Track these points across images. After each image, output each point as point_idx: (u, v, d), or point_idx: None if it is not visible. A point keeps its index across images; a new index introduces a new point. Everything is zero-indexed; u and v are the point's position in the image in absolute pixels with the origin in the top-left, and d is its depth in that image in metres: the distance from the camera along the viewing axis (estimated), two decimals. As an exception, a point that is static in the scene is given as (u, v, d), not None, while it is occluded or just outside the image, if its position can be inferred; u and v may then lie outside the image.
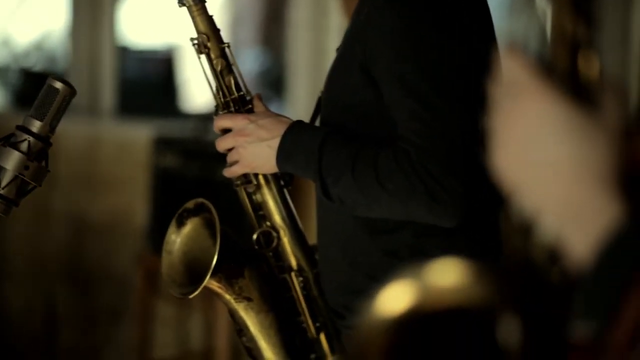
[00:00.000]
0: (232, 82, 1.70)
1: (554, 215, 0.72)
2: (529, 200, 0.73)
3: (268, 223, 1.72)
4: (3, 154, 1.55)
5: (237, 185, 1.73)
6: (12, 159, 1.55)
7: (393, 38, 1.56)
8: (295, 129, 1.65)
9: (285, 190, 1.74)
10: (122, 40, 4.76)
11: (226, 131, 1.70)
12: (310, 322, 1.73)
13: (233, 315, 1.73)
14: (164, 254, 1.71)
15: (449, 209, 1.52)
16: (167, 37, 6.09)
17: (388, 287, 0.76)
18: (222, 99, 1.70)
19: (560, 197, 0.71)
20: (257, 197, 1.72)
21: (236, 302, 1.70)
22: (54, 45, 5.43)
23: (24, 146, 1.56)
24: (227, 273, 1.67)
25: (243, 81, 1.72)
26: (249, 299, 1.70)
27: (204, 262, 1.65)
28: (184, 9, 1.68)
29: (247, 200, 1.73)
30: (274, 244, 1.72)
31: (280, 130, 1.64)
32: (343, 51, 1.68)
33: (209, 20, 1.68)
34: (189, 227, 1.72)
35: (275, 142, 1.64)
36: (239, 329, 1.74)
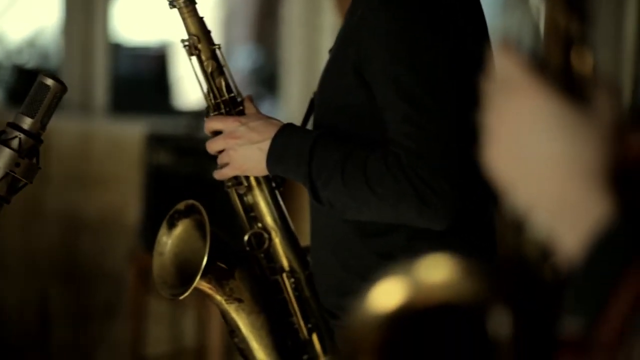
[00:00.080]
0: (223, 83, 1.70)
1: (545, 212, 0.72)
2: (521, 196, 0.73)
3: (259, 224, 1.72)
4: (-6, 151, 1.54)
5: (229, 187, 1.72)
6: (3, 156, 1.54)
7: (387, 40, 1.55)
8: (285, 131, 1.64)
9: (277, 192, 1.73)
10: (114, 37, 4.75)
11: (217, 133, 1.69)
12: (302, 323, 1.72)
13: (225, 316, 1.72)
14: (156, 256, 1.71)
15: (440, 212, 1.51)
16: (160, 34, 6.09)
17: (379, 284, 0.76)
18: (212, 101, 1.70)
19: (552, 194, 0.71)
20: (249, 198, 1.72)
21: (227, 303, 1.69)
22: (46, 42, 5.42)
23: (14, 143, 1.55)
24: (217, 274, 1.67)
25: (234, 82, 1.72)
26: (239, 300, 1.69)
27: (195, 264, 1.64)
28: (176, 8, 1.68)
29: (238, 202, 1.72)
30: (266, 245, 1.72)
31: (270, 132, 1.64)
32: (336, 52, 1.67)
33: (200, 21, 1.68)
34: (180, 228, 1.71)
35: (266, 145, 1.64)
36: (231, 330, 1.73)
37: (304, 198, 1.71)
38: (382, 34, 1.55)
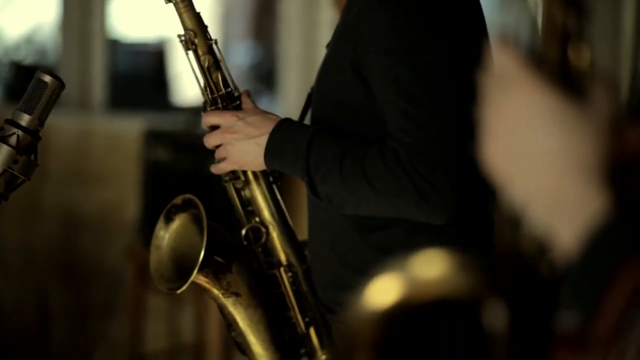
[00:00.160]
0: (220, 78, 1.70)
1: (542, 207, 0.72)
2: (519, 192, 0.73)
3: (257, 219, 1.72)
4: (-8, 148, 1.54)
5: (226, 182, 1.72)
6: (1, 153, 1.54)
7: (387, 40, 1.55)
8: (283, 126, 1.64)
9: (275, 186, 1.73)
10: (112, 34, 4.75)
11: (215, 128, 1.69)
12: (299, 317, 1.72)
13: (222, 310, 1.73)
14: (153, 250, 1.71)
15: (438, 208, 1.52)
16: (158, 30, 6.08)
17: (375, 281, 0.76)
18: (209, 96, 1.70)
19: (549, 189, 0.71)
20: (246, 192, 1.72)
21: (224, 297, 1.69)
22: (44, 39, 5.42)
23: (12, 140, 1.55)
24: (214, 268, 1.67)
25: (231, 77, 1.72)
26: (237, 294, 1.70)
27: (192, 258, 1.64)
28: (174, 3, 1.68)
29: (235, 197, 1.72)
30: (263, 239, 1.72)
31: (268, 127, 1.64)
32: (333, 48, 1.67)
33: (196, 16, 1.68)
34: (177, 222, 1.72)
35: (263, 140, 1.64)
36: (229, 324, 1.74)
37: (302, 192, 1.71)
38: (382, 34, 1.55)
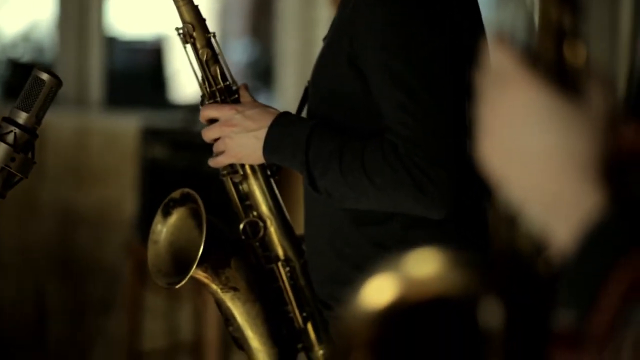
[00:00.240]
0: (218, 71, 1.69)
1: (538, 205, 0.72)
2: (514, 189, 0.73)
3: (255, 213, 1.72)
4: (-11, 145, 1.54)
5: (224, 175, 1.72)
6: (-2, 151, 1.54)
7: (384, 35, 1.55)
8: (282, 119, 1.64)
9: (272, 180, 1.73)
10: (110, 31, 4.74)
11: (213, 121, 1.69)
12: (297, 312, 1.73)
13: (220, 305, 1.73)
14: (150, 244, 1.71)
15: (437, 201, 1.52)
16: (155, 28, 6.07)
17: (371, 280, 0.76)
18: (208, 89, 1.70)
19: (544, 186, 0.71)
20: (244, 187, 1.72)
21: (223, 292, 1.69)
22: (41, 36, 5.42)
23: (10, 138, 1.55)
24: (213, 263, 1.67)
25: (229, 71, 1.72)
26: (235, 289, 1.70)
27: (190, 252, 1.64)
28: (170, -1, 1.68)
29: (233, 191, 1.72)
30: (261, 234, 1.72)
31: (267, 121, 1.64)
32: (330, 42, 1.67)
33: (195, 10, 1.68)
34: (175, 217, 1.71)
35: (262, 133, 1.64)
36: (226, 318, 1.74)
37: (299, 186, 1.71)
38: (378, 29, 1.55)
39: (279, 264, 1.73)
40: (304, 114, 1.76)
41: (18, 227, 4.07)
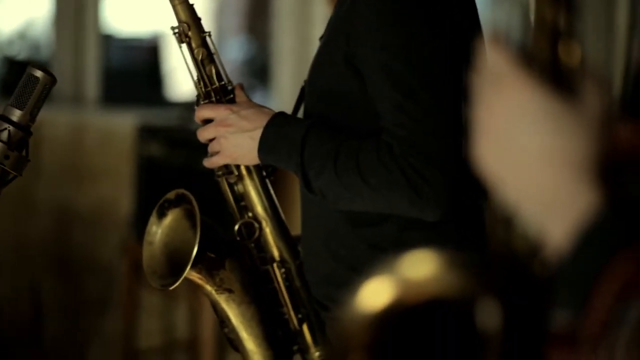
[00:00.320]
0: (213, 71, 1.69)
1: (534, 205, 0.72)
2: (510, 190, 0.73)
3: (250, 214, 1.72)
4: (-17, 143, 1.54)
5: (219, 176, 1.72)
6: (-7, 149, 1.54)
7: (383, 35, 1.54)
8: (277, 120, 1.64)
9: (268, 181, 1.73)
10: (106, 28, 4.74)
11: (208, 121, 1.69)
12: (292, 313, 1.72)
13: (215, 306, 1.72)
14: (145, 245, 1.71)
15: (432, 202, 1.51)
16: (152, 25, 6.07)
17: (367, 282, 0.76)
18: (203, 89, 1.70)
19: (540, 187, 0.71)
20: (239, 187, 1.72)
21: (217, 293, 1.69)
22: (37, 34, 5.41)
23: (4, 135, 1.54)
24: (207, 264, 1.66)
25: (224, 70, 1.71)
26: (230, 291, 1.69)
27: (185, 253, 1.64)
28: (167, -3, 1.67)
29: (228, 191, 1.72)
30: (256, 235, 1.71)
31: (262, 121, 1.63)
32: (327, 41, 1.67)
33: (190, 9, 1.67)
34: (170, 218, 1.71)
35: (257, 134, 1.63)
36: (221, 320, 1.73)
37: (295, 187, 1.71)
38: (377, 28, 1.55)
39: (275, 265, 1.72)
40: (300, 113, 1.76)
41: (14, 225, 4.06)
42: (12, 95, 1.57)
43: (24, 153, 1.56)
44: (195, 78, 1.70)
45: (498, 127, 0.73)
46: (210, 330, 3.28)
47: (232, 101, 1.69)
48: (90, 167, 3.92)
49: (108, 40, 4.96)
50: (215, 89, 1.69)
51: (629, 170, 0.72)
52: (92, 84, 4.31)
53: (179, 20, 1.67)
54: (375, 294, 0.76)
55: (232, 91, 1.71)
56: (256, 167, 1.71)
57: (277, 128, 1.62)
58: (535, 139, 0.71)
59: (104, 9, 4.39)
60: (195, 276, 1.66)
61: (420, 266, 0.76)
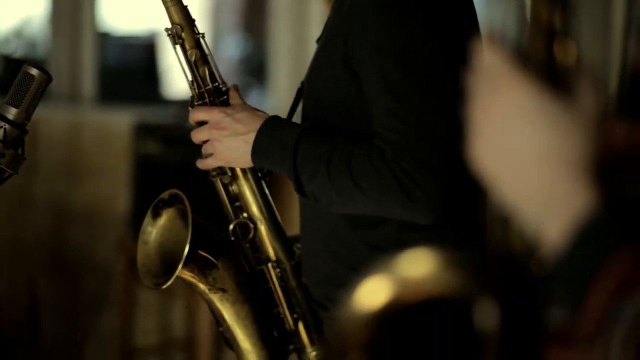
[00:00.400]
0: (207, 72, 1.69)
1: (531, 204, 0.72)
2: (507, 190, 0.73)
3: (245, 214, 1.71)
4: (-21, 141, 1.54)
5: (213, 176, 1.72)
6: (-12, 147, 1.54)
7: (380, 36, 1.54)
8: (271, 124, 1.63)
9: (263, 182, 1.73)
10: (102, 26, 4.74)
11: (202, 123, 1.69)
12: (287, 313, 1.72)
13: (210, 305, 1.72)
14: (140, 245, 1.71)
15: (424, 207, 1.51)
16: (148, 23, 6.07)
17: (365, 282, 0.76)
18: (197, 90, 1.69)
19: (536, 186, 0.71)
20: (234, 188, 1.71)
21: (210, 292, 1.69)
22: (34, 32, 5.40)
23: (-1, 134, 1.54)
24: (200, 264, 1.66)
25: (219, 72, 1.71)
26: (223, 290, 1.69)
27: (178, 253, 1.64)
28: (161, -2, 1.67)
29: (223, 191, 1.72)
30: (251, 235, 1.71)
31: (256, 125, 1.63)
32: (324, 43, 1.66)
33: (184, 10, 1.67)
34: (164, 218, 1.71)
35: (251, 137, 1.63)
36: (217, 319, 1.73)
37: (291, 188, 1.71)
38: (375, 30, 1.54)
39: (270, 265, 1.72)
40: (297, 113, 1.75)
41: (11, 222, 4.06)
42: (8, 94, 1.57)
43: (20, 151, 1.56)
44: (189, 79, 1.70)
45: (494, 127, 0.73)
46: (207, 329, 3.28)
47: (225, 102, 1.69)
48: (87, 165, 3.92)
49: (104, 38, 4.96)
50: (208, 90, 1.69)
51: (624, 169, 0.72)
52: (88, 82, 4.30)
53: (173, 22, 1.67)
54: (373, 293, 0.76)
55: (226, 92, 1.70)
56: (251, 168, 1.70)
57: (270, 132, 1.62)
58: (531, 138, 0.71)
59: (101, 7, 4.39)
60: (187, 275, 1.66)
61: (418, 265, 0.76)
